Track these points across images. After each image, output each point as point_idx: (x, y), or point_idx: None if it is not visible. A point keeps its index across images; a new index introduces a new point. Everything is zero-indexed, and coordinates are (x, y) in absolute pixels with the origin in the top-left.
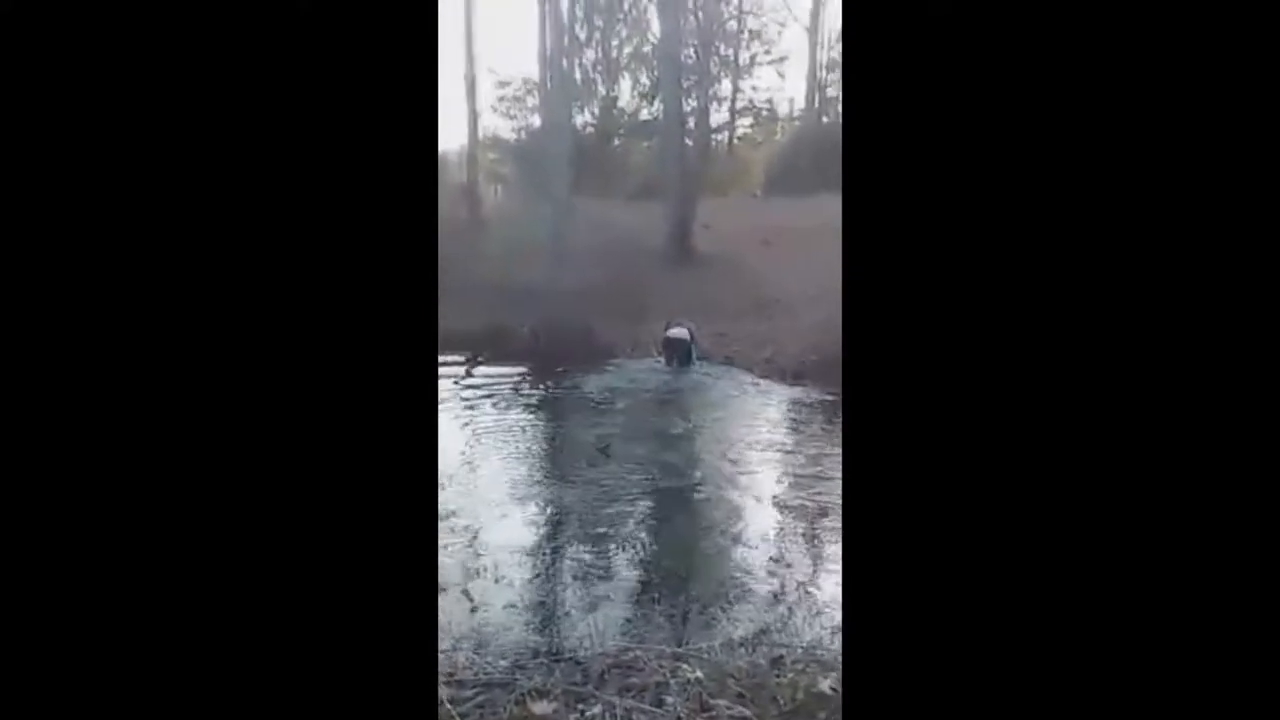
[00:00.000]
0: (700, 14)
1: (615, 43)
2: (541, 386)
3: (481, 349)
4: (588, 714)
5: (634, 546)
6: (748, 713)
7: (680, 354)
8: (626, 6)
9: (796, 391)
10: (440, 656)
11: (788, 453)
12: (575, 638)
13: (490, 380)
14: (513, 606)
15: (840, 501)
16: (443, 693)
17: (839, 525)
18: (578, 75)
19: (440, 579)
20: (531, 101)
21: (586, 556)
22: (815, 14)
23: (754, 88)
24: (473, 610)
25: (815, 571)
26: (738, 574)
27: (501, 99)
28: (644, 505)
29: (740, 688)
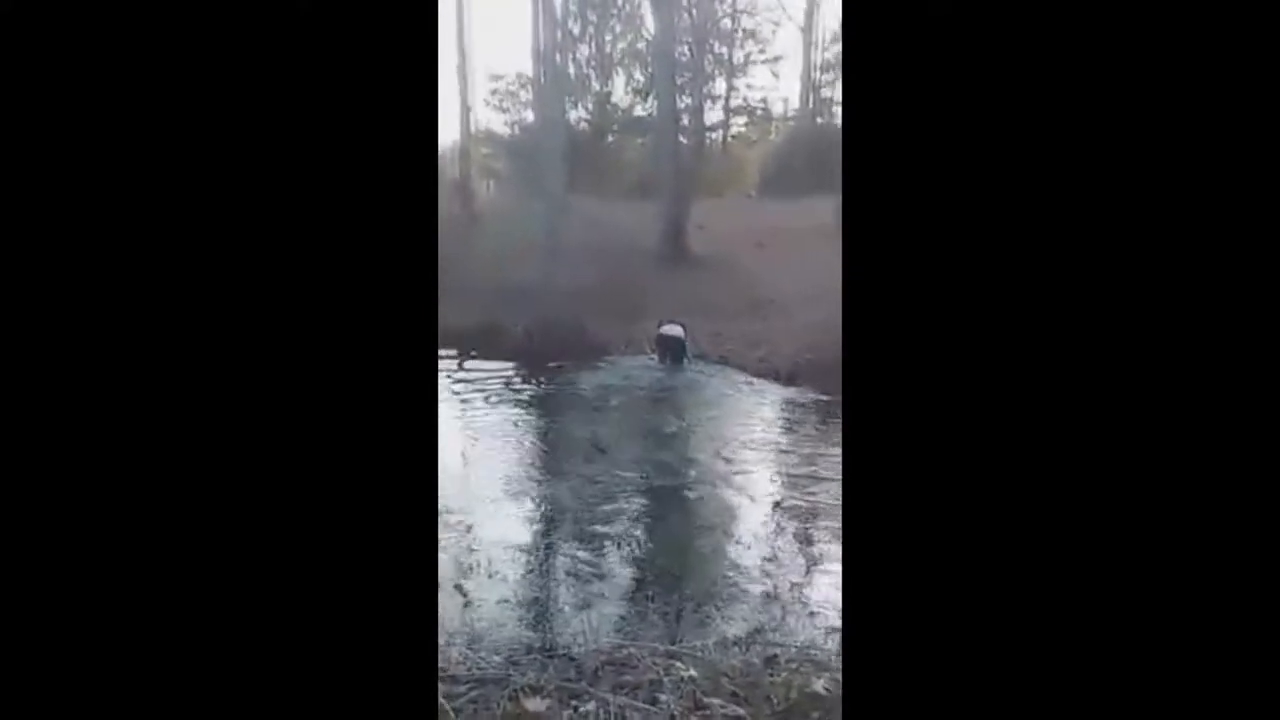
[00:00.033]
0: (694, 11)
1: (609, 38)
2: (534, 382)
3: (475, 347)
4: (581, 710)
5: (628, 544)
6: (742, 712)
7: (674, 352)
8: (620, 2)
9: (790, 391)
10: None
11: (782, 452)
12: (569, 634)
13: (483, 375)
14: (506, 602)
15: (834, 501)
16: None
17: (833, 525)
18: (571, 70)
19: None
20: (525, 96)
21: (580, 553)
22: (810, 14)
23: (748, 86)
24: (466, 605)
25: (809, 571)
26: (731, 573)
27: (494, 93)
28: (638, 503)
29: (734, 686)
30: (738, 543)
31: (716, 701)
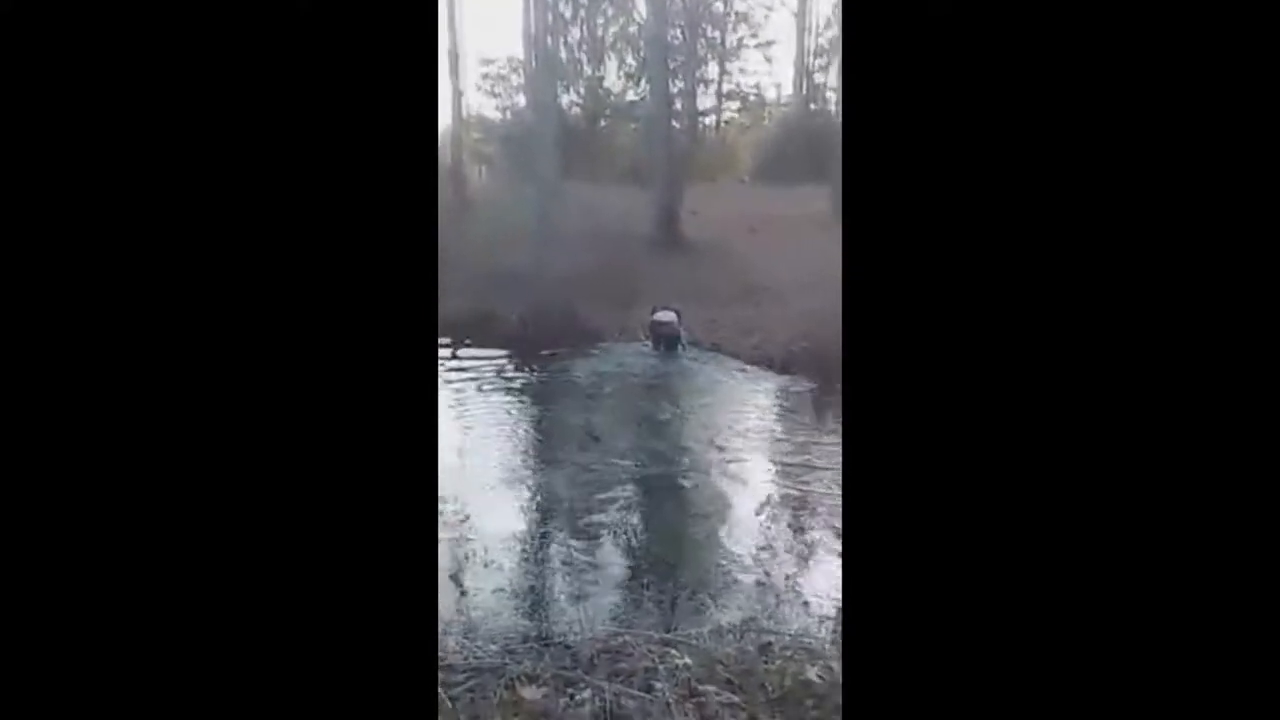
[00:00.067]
0: None
1: (601, 22)
2: (527, 370)
3: (468, 334)
4: (577, 698)
5: (622, 533)
6: (736, 699)
7: (668, 339)
8: None
9: (784, 379)
10: None
11: (775, 440)
12: (564, 623)
13: (476, 363)
14: (502, 591)
15: (827, 490)
16: None
17: (827, 514)
18: (563, 54)
19: None
20: (516, 80)
21: (575, 542)
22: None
23: (741, 70)
24: (462, 595)
25: (803, 560)
26: (726, 561)
27: (485, 77)
28: (632, 492)
29: (729, 674)
30: (731, 531)
31: (711, 689)
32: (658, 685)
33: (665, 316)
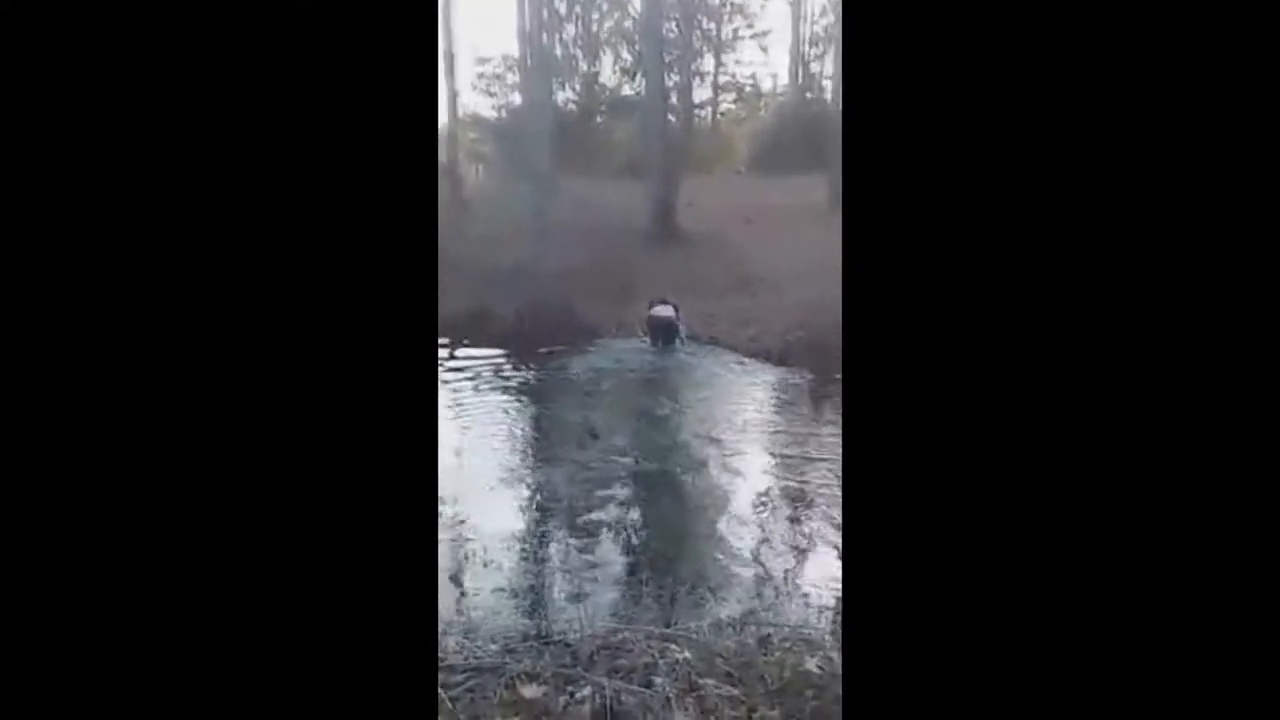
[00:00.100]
0: None
1: (596, 17)
2: (525, 368)
3: (465, 333)
4: (577, 696)
5: (621, 528)
6: (736, 692)
7: (665, 333)
8: None
9: (781, 371)
10: None
11: (773, 433)
12: (564, 621)
13: (474, 362)
14: (501, 590)
15: (825, 482)
16: None
17: (825, 506)
18: (558, 51)
19: None
20: (512, 79)
21: (574, 539)
22: None
23: (737, 62)
24: (462, 595)
25: (802, 552)
26: (724, 555)
27: (481, 76)
28: (630, 487)
29: (728, 667)
30: (730, 525)
31: (710, 682)
32: (657, 680)
33: (662, 310)
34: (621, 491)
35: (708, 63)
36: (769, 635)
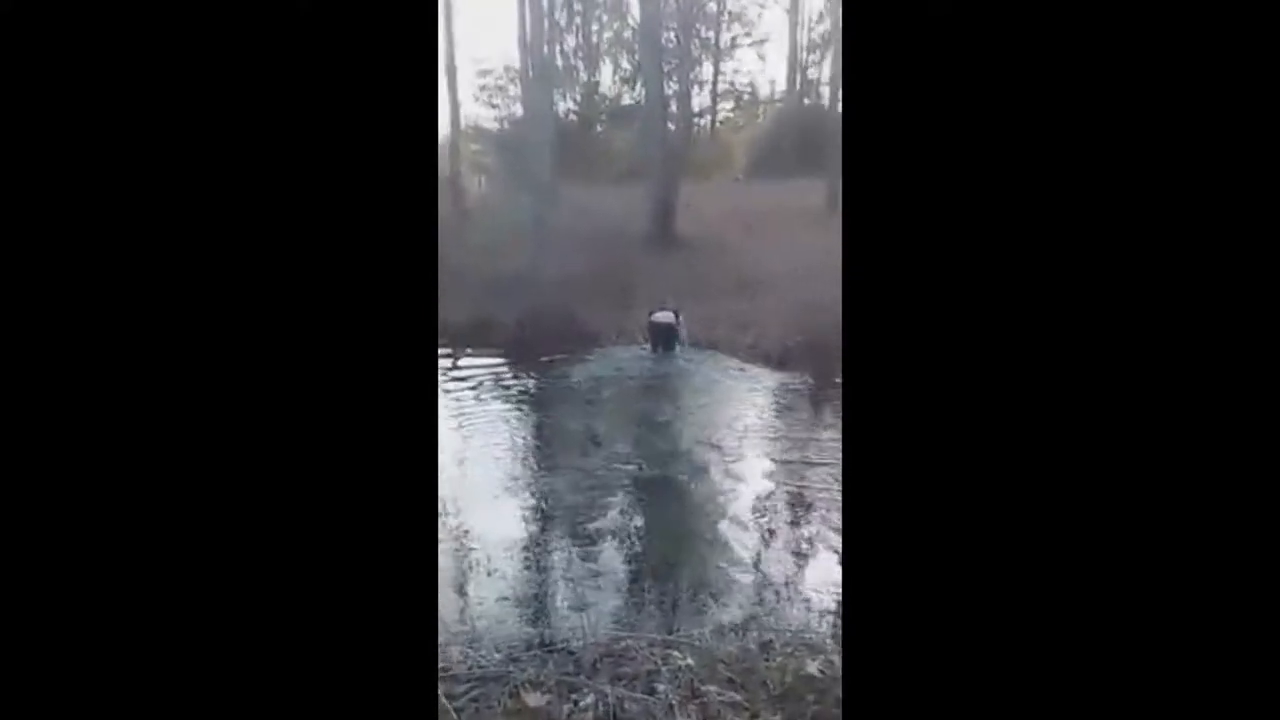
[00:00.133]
0: None
1: (595, 28)
2: (526, 376)
3: (468, 342)
4: (580, 704)
5: (623, 535)
6: (738, 698)
7: (666, 339)
8: None
9: (780, 376)
10: None
11: (773, 439)
12: (567, 628)
13: (476, 371)
14: (505, 599)
15: (825, 486)
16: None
17: (825, 511)
18: (559, 62)
19: None
20: (513, 90)
21: (576, 546)
22: None
23: (735, 70)
24: (465, 604)
25: (803, 557)
26: (726, 561)
27: (483, 88)
28: (632, 494)
29: (730, 673)
30: (731, 530)
31: (713, 688)
32: (660, 687)
33: (663, 317)
34: (624, 498)
35: (706, 70)
36: (771, 640)
